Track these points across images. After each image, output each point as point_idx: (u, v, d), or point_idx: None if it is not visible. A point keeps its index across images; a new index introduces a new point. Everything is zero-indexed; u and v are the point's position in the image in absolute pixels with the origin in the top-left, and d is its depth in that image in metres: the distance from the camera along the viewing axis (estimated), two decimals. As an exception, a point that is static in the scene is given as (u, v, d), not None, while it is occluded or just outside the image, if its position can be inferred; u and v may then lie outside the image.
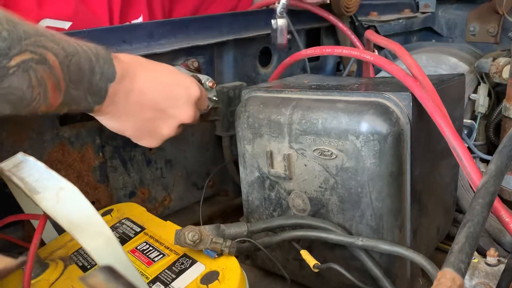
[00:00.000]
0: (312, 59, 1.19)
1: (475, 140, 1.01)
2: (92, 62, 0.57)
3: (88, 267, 0.62)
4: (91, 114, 0.63)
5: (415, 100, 0.62)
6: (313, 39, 1.21)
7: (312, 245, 0.70)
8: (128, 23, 1.00)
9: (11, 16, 0.49)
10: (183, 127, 0.72)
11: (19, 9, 0.84)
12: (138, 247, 0.65)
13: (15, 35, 0.48)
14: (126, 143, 0.86)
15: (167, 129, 0.69)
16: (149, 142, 0.70)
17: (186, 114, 0.69)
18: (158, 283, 0.57)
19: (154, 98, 0.65)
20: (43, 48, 0.51)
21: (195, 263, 0.59)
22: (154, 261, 0.61)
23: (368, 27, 1.28)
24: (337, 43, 1.25)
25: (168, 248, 0.63)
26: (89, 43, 0.58)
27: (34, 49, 0.50)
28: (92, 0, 0.96)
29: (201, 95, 0.72)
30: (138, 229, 0.69)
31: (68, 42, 0.55)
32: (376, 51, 1.00)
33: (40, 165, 0.52)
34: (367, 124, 0.60)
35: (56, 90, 0.53)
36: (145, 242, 0.66)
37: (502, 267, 0.56)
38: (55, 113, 0.57)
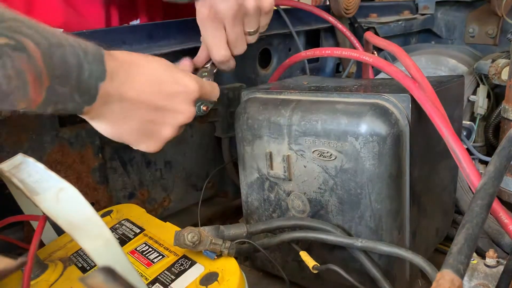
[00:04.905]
0: (312, 60, 1.19)
1: (474, 142, 1.01)
2: (80, 58, 0.50)
3: (88, 268, 0.62)
4: (81, 116, 0.57)
5: (414, 101, 0.62)
6: (312, 41, 1.21)
7: (312, 247, 0.70)
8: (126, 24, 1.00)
9: None
10: (184, 127, 0.68)
11: None
12: (138, 248, 0.65)
13: None
14: (125, 144, 0.86)
15: (167, 131, 0.65)
16: (149, 146, 0.66)
17: (186, 113, 0.64)
18: (157, 284, 0.57)
19: (150, 98, 0.61)
20: (21, 34, 0.44)
21: (194, 264, 0.59)
22: (153, 262, 0.61)
23: (368, 29, 1.28)
24: (337, 44, 1.25)
25: (167, 249, 0.63)
26: (78, 38, 0.52)
27: (11, 34, 0.43)
28: (86, 7, 0.92)
29: (202, 90, 0.67)
30: (138, 230, 0.69)
31: (53, 33, 0.48)
32: (375, 52, 1.00)
33: (40, 166, 0.52)
34: (366, 125, 0.60)
35: (38, 84, 0.47)
36: (145, 243, 0.66)
37: (501, 268, 0.57)
38: (39, 112, 0.50)
